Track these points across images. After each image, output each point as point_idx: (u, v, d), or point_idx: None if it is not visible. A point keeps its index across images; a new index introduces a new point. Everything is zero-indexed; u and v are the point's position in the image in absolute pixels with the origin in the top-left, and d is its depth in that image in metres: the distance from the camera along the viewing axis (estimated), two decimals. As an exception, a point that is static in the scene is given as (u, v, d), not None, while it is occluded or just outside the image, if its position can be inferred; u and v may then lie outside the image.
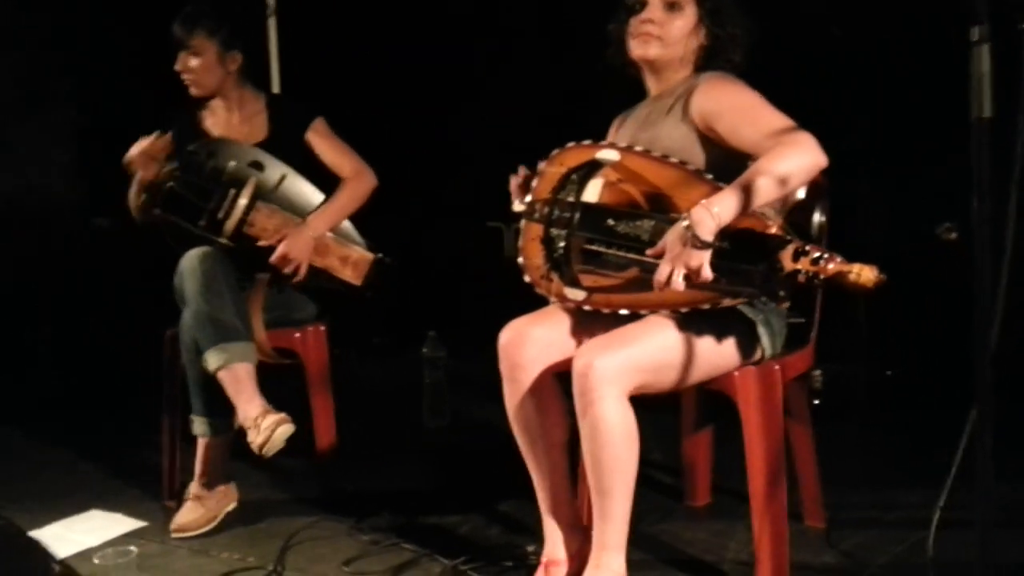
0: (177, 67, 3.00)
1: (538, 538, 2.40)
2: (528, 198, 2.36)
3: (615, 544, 2.12)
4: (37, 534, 2.36)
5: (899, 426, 3.30)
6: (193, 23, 2.99)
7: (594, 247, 2.19)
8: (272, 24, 4.69)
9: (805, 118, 2.14)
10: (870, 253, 1.92)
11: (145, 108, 3.09)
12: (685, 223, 1.95)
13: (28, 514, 2.86)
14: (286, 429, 2.63)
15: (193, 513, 2.80)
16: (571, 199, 2.25)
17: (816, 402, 3.29)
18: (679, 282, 1.96)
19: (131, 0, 4.54)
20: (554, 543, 2.33)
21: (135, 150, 2.93)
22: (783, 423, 2.29)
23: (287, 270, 2.93)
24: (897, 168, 3.48)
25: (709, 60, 2.32)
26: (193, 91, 3.05)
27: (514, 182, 2.46)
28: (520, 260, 2.35)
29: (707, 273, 1.95)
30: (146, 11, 3.18)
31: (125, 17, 4.64)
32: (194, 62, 2.99)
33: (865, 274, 1.84)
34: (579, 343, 2.26)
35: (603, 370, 2.05)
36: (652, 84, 2.39)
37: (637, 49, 2.32)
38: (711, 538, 2.60)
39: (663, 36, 2.29)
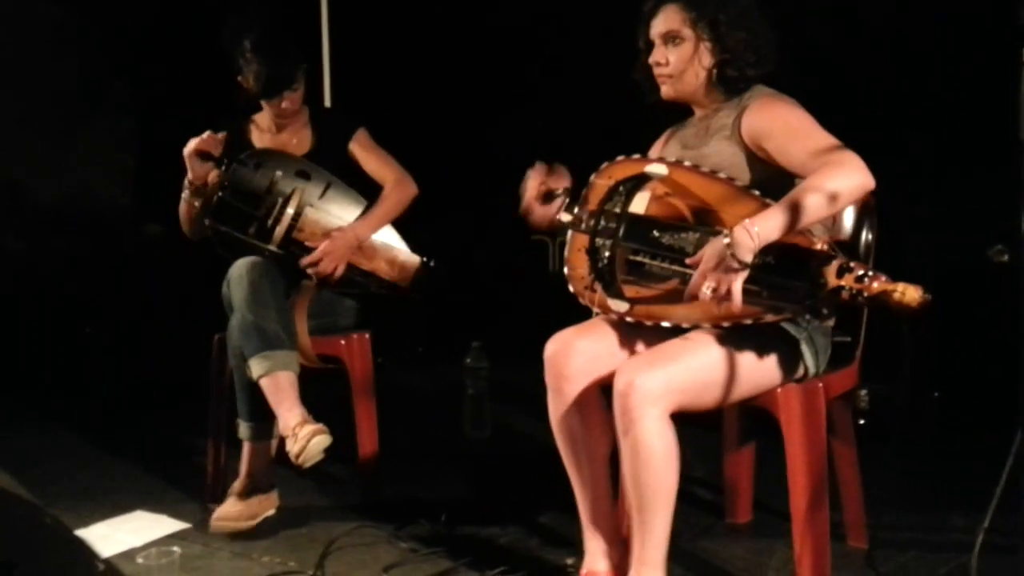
0: (284, 105, 3.04)
1: (578, 551, 2.40)
2: (576, 209, 2.38)
3: (654, 561, 2.12)
4: (83, 533, 2.39)
5: (945, 448, 3.26)
6: (295, 61, 3.01)
7: (638, 258, 2.19)
8: (324, 35, 4.74)
9: (854, 137, 2.13)
10: (919, 274, 1.90)
11: (200, 117, 3.11)
12: (726, 240, 1.95)
13: (74, 513, 2.91)
14: (322, 440, 2.65)
15: (234, 507, 2.83)
16: (617, 210, 2.26)
17: (861, 422, 3.26)
18: (706, 294, 1.96)
19: (192, 12, 4.61)
20: (594, 555, 2.33)
21: (187, 148, 2.93)
22: (826, 441, 2.26)
23: (324, 267, 2.95)
24: (949, 188, 3.44)
25: (725, 71, 2.28)
26: (285, 122, 3.10)
27: (533, 181, 2.43)
28: (565, 270, 2.36)
29: (737, 296, 1.95)
30: (207, 24, 3.19)
31: (186, 28, 4.71)
32: (295, 95, 3.05)
33: (909, 294, 1.81)
34: (624, 356, 2.26)
35: (644, 390, 2.05)
36: (695, 108, 2.41)
37: (662, 90, 2.36)
38: (751, 556, 2.58)
39: (673, 72, 2.32)
